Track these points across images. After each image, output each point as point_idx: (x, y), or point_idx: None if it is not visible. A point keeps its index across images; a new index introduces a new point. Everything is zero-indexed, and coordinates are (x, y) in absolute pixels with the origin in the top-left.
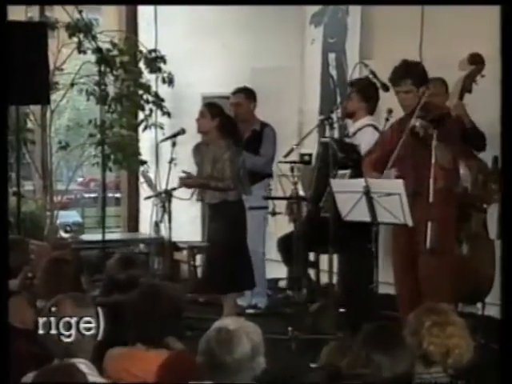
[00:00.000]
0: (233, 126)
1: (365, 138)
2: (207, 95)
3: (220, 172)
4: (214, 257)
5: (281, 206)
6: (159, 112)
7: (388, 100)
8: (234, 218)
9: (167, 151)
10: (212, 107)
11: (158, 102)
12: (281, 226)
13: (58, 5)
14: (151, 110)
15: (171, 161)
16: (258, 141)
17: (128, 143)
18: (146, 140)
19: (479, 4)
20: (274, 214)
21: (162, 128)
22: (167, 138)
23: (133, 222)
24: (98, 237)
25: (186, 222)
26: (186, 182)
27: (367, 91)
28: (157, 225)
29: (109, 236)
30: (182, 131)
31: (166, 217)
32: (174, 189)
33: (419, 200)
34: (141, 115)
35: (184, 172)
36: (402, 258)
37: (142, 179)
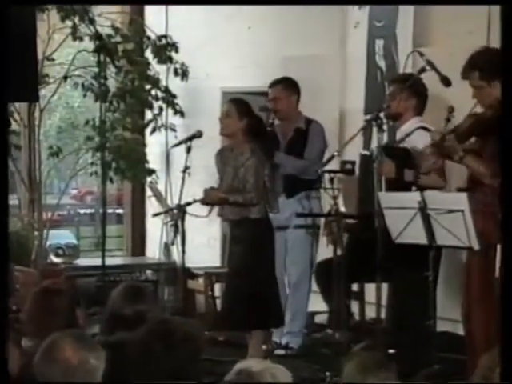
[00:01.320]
0: (262, 128)
1: (416, 144)
2: (228, 90)
3: (241, 182)
4: (235, 286)
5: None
6: (170, 111)
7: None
8: (258, 240)
9: (180, 158)
10: (240, 105)
11: (169, 98)
12: (318, 247)
13: (58, 5)
14: (161, 109)
15: (185, 170)
16: (303, 141)
17: (133, 148)
18: (154, 145)
19: (479, 4)
20: (316, 234)
21: (173, 130)
22: (180, 143)
23: (138, 243)
24: (96, 262)
25: (203, 244)
26: (207, 197)
27: (417, 87)
28: (167, 247)
29: (109, 261)
30: (199, 134)
31: (179, 238)
32: (189, 204)
33: (489, 217)
34: (148, 114)
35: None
36: (474, 288)
37: (149, 192)
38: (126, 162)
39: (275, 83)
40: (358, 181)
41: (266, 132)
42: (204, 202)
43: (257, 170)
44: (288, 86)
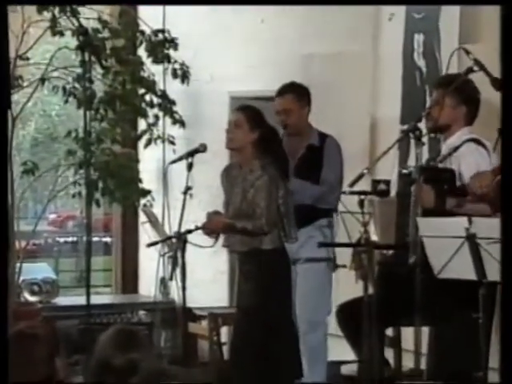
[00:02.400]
0: (277, 141)
1: (466, 160)
2: (237, 95)
3: (250, 206)
4: (245, 331)
5: (344, 256)
6: (168, 120)
7: None
8: (271, 275)
9: (180, 177)
10: (252, 113)
11: (167, 104)
12: (344, 285)
13: (57, 5)
14: (157, 117)
15: (186, 191)
16: (316, 161)
17: (123, 165)
18: (149, 160)
19: (479, 4)
20: (333, 267)
21: (172, 143)
22: (180, 158)
23: (130, 278)
24: (79, 300)
25: (207, 280)
26: (209, 223)
27: (467, 91)
28: (164, 283)
29: (95, 299)
30: (202, 148)
31: (178, 272)
32: (191, 231)
33: None
34: (142, 124)
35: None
36: None
37: (143, 217)
38: (116, 181)
39: (284, 91)
40: (393, 204)
41: (281, 146)
42: (206, 229)
43: (269, 190)
44: (300, 95)
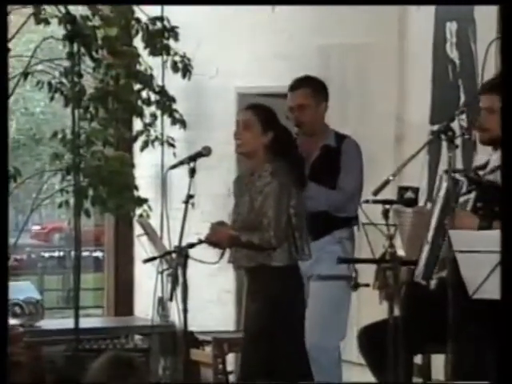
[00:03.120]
0: (292, 144)
1: None
2: (246, 91)
3: (257, 216)
4: (253, 358)
5: (366, 273)
6: (168, 119)
7: None
8: (281, 295)
9: (181, 184)
10: (263, 113)
11: (166, 102)
12: (366, 306)
13: (57, 5)
14: (155, 116)
15: (188, 199)
16: (332, 164)
17: (117, 170)
18: (146, 165)
19: (479, 4)
20: (355, 286)
21: (172, 145)
22: (181, 163)
23: (124, 299)
24: (66, 324)
25: (212, 301)
26: (212, 236)
27: None
28: (163, 304)
29: (85, 322)
30: (206, 151)
31: (179, 291)
32: (193, 245)
33: None
34: (138, 124)
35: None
36: None
37: (138, 229)
38: (108, 189)
39: (299, 85)
40: (423, 214)
41: (297, 149)
42: (209, 242)
43: (278, 198)
44: (316, 89)
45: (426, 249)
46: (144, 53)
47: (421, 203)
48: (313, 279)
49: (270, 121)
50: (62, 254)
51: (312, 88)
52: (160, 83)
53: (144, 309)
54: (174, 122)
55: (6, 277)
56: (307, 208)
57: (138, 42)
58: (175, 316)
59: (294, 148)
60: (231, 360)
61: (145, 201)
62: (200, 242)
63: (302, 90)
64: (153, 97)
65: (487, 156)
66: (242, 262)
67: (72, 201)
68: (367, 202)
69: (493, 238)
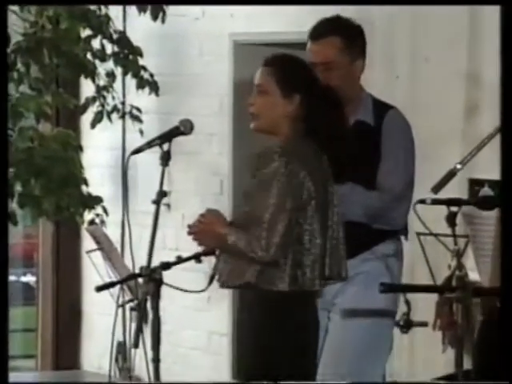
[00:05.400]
0: (331, 112)
1: None
2: (245, 39)
3: (253, 213)
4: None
5: (422, 306)
6: (131, 81)
7: None
8: (271, 335)
9: (151, 176)
10: (282, 68)
11: (129, 55)
12: (422, 355)
13: (57, 5)
14: (112, 77)
15: (160, 199)
16: (369, 150)
17: (57, 156)
18: (99, 148)
19: (479, 4)
20: (406, 326)
21: (138, 119)
22: (150, 145)
23: (67, 345)
24: None
25: (197, 347)
26: (196, 227)
27: None
28: (124, 352)
29: (11, 378)
30: (186, 127)
31: (149, 334)
32: (169, 266)
33: None
34: (88, 88)
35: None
36: None
37: (89, 242)
38: (44, 183)
39: (324, 33)
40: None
41: (341, 120)
42: (190, 234)
43: (281, 192)
44: (350, 39)
45: None
46: None
47: None
48: (334, 311)
49: (296, 78)
50: None
51: (343, 37)
52: (120, 27)
53: (96, 359)
54: (141, 84)
55: (6, 276)
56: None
57: None
58: (142, 369)
59: (335, 118)
60: None
61: (98, 200)
62: (180, 260)
63: (328, 40)
64: (109, 48)
65: None
66: (227, 277)
67: None
68: (423, 202)
69: None
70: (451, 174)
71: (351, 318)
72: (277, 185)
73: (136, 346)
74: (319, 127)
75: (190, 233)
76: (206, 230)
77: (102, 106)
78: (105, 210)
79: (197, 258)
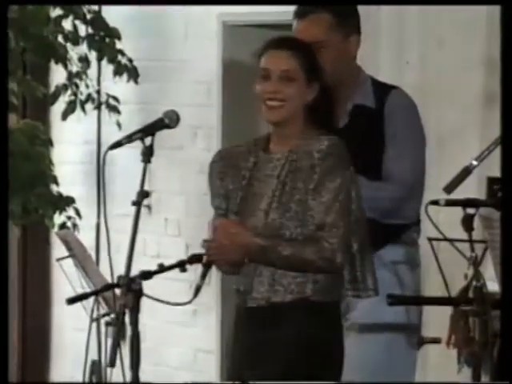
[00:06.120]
0: (329, 104)
1: None
2: (235, 20)
3: (296, 216)
4: None
5: (435, 321)
6: (108, 66)
7: None
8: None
9: (130, 174)
10: (305, 53)
11: (105, 37)
12: (435, 375)
13: (58, 5)
14: (86, 62)
15: (141, 200)
16: (370, 136)
17: (23, 151)
18: (71, 143)
19: (479, 4)
20: (417, 343)
21: (115, 110)
22: (130, 140)
23: (34, 363)
24: None
25: (182, 366)
26: (224, 235)
27: None
28: (99, 372)
29: None
30: (171, 120)
31: (127, 351)
32: (150, 275)
33: None
34: (59, 75)
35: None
36: None
37: (60, 249)
38: (10, 182)
39: (311, 10)
40: None
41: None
42: (217, 249)
43: (340, 187)
44: (341, 15)
45: None
46: None
47: None
48: (347, 327)
49: (316, 64)
50: None
51: (334, 12)
52: (94, 7)
53: (67, 379)
54: (119, 71)
55: (6, 276)
56: None
57: None
58: None
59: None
60: None
61: (70, 201)
62: (163, 269)
63: (316, 17)
64: (83, 29)
65: None
66: (269, 293)
67: None
68: (436, 203)
69: None
70: (466, 172)
71: (365, 332)
72: (341, 182)
73: (112, 365)
74: (329, 119)
75: (209, 250)
76: (237, 238)
77: (75, 94)
78: (77, 213)
79: (181, 266)
